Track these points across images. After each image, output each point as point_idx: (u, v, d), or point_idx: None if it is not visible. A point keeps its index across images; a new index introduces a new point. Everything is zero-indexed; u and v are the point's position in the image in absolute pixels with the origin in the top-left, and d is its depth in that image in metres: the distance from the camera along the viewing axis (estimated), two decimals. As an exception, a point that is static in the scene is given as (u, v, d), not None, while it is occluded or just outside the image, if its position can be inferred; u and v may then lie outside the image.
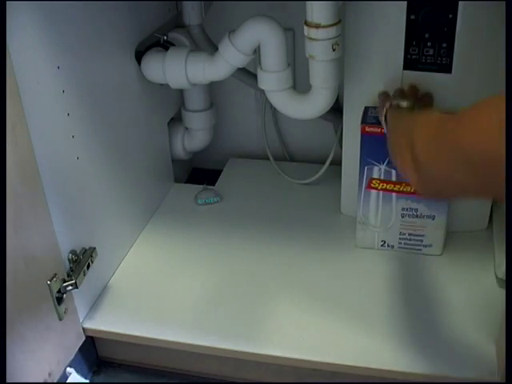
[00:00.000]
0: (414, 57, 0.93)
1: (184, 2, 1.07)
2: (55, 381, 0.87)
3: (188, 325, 0.93)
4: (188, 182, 1.38)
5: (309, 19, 0.89)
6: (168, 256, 1.08)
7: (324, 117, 1.07)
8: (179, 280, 1.02)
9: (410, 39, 0.92)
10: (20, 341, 0.78)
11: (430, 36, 0.91)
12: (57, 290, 0.84)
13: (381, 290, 0.97)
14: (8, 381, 0.73)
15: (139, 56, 1.06)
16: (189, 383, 0.98)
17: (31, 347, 0.81)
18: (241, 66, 1.01)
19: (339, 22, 0.89)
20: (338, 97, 1.00)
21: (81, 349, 0.93)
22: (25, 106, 0.73)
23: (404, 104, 0.84)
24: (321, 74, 0.94)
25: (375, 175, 0.97)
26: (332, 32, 0.89)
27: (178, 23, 1.18)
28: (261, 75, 1.00)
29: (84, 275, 0.89)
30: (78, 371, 0.90)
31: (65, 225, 0.86)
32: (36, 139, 0.76)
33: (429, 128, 0.64)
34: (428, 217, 0.99)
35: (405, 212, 1.00)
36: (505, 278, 0.90)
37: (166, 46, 1.09)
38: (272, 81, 0.99)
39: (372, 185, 0.98)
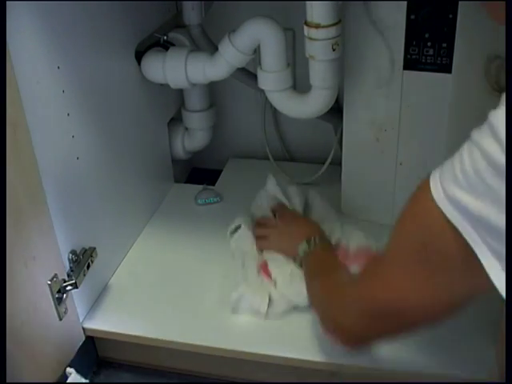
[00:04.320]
0: (414, 57, 0.93)
1: (184, 1, 1.07)
2: (55, 381, 0.87)
3: (188, 325, 0.93)
4: (188, 181, 1.39)
5: (309, 19, 0.89)
6: (168, 256, 1.08)
7: (324, 117, 1.07)
8: (179, 280, 1.02)
9: (410, 39, 0.92)
10: (20, 341, 0.78)
11: (429, 36, 0.91)
12: (57, 290, 0.84)
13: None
14: (8, 381, 0.73)
15: (139, 56, 1.06)
16: (189, 383, 0.98)
17: (31, 347, 0.81)
18: (241, 66, 1.01)
19: (339, 22, 0.89)
20: (337, 97, 1.00)
21: (81, 349, 0.93)
22: (25, 106, 0.73)
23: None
24: (321, 73, 0.94)
25: None
26: (332, 32, 0.89)
27: (177, 23, 1.18)
28: (261, 75, 1.00)
29: (84, 275, 0.89)
30: (78, 371, 0.90)
31: (65, 225, 0.86)
32: (36, 139, 0.76)
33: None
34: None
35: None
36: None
37: (166, 45, 1.09)
38: (272, 81, 0.99)
39: None
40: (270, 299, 0.91)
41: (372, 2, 0.91)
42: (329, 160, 1.19)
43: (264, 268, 0.96)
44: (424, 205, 0.55)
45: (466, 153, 0.51)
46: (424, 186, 0.55)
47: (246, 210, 1.16)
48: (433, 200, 0.53)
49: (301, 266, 0.91)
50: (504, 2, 0.51)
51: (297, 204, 1.09)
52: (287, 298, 0.91)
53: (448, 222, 0.52)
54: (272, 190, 1.10)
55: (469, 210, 0.50)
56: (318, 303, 0.80)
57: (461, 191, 0.50)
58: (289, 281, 0.91)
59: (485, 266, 0.50)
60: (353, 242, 0.97)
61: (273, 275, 0.94)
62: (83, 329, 0.94)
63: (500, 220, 0.48)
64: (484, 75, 0.53)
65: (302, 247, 0.90)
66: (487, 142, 0.49)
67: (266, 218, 1.07)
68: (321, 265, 0.87)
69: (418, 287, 0.58)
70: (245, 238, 1.03)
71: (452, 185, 0.51)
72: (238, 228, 1.06)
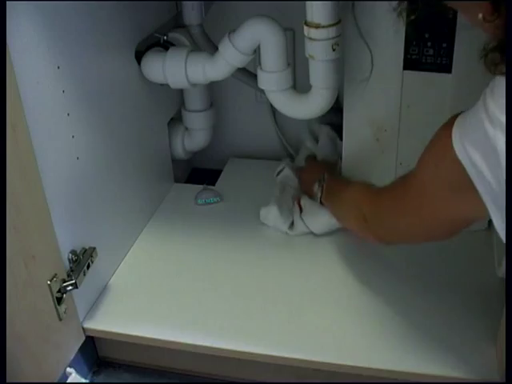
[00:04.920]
0: (414, 57, 0.93)
1: (184, 2, 1.07)
2: (55, 381, 0.87)
3: (188, 325, 0.93)
4: (188, 181, 1.38)
5: (309, 19, 0.89)
6: (168, 256, 1.08)
7: (324, 117, 1.07)
8: (179, 280, 1.02)
9: (409, 39, 0.92)
10: (20, 341, 0.78)
11: (429, 36, 0.91)
12: (57, 290, 0.84)
13: (383, 291, 0.96)
14: (8, 381, 0.73)
15: (139, 56, 1.06)
16: (189, 383, 0.98)
17: (31, 347, 0.81)
18: (241, 66, 1.01)
19: (339, 21, 0.89)
20: (338, 97, 1.00)
21: (81, 349, 0.94)
22: (25, 106, 0.73)
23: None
24: (321, 74, 0.94)
25: None
26: (332, 32, 0.89)
27: (177, 23, 1.18)
28: (261, 75, 1.00)
29: (84, 275, 0.89)
30: (77, 371, 0.90)
31: (65, 225, 0.86)
32: (36, 139, 0.76)
33: (371, 199, 0.87)
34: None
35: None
36: (505, 278, 0.90)
37: (166, 45, 1.09)
38: (272, 81, 0.99)
39: None
40: (293, 223, 1.12)
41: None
42: (329, 160, 1.19)
43: (298, 200, 1.14)
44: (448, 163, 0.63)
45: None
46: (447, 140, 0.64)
47: (246, 210, 1.16)
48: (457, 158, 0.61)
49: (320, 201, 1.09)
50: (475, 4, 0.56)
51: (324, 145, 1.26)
52: (305, 224, 1.10)
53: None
54: (308, 144, 1.28)
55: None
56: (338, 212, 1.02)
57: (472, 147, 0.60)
58: (310, 210, 1.10)
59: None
60: None
61: (302, 206, 1.13)
62: (83, 329, 0.94)
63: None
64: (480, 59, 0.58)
65: (316, 187, 1.09)
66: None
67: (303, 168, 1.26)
68: (332, 190, 1.05)
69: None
70: (288, 175, 1.23)
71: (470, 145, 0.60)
72: (282, 170, 1.24)
